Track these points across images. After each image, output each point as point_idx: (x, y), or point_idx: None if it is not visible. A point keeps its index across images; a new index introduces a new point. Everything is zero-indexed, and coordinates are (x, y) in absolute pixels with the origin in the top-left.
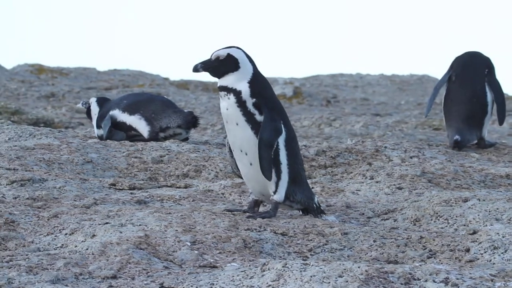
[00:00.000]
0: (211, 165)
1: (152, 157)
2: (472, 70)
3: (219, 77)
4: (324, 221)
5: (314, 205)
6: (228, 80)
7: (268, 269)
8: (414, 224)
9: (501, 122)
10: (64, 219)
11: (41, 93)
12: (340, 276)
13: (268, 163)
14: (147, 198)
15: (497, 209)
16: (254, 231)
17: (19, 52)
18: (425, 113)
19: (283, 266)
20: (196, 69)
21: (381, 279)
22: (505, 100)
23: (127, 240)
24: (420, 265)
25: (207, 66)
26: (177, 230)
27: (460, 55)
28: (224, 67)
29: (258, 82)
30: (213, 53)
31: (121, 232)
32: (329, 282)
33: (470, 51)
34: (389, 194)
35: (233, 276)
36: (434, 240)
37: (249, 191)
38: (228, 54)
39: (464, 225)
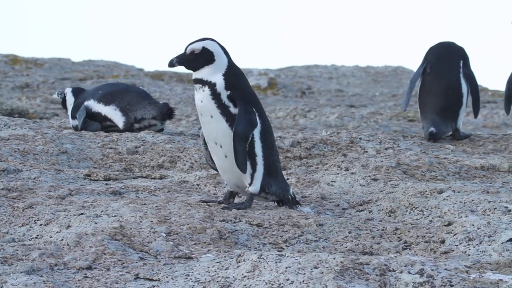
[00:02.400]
0: (186, 156)
1: (127, 148)
2: (447, 61)
3: (194, 70)
4: (299, 212)
5: (289, 197)
6: (204, 73)
7: (244, 260)
8: (389, 216)
9: (476, 114)
10: (39, 209)
11: (16, 84)
12: (316, 267)
13: (242, 156)
14: (122, 189)
15: (472, 200)
16: (229, 222)
17: None
18: (403, 107)
19: (258, 257)
20: (171, 64)
21: (356, 271)
22: (479, 92)
23: (102, 231)
24: (395, 256)
25: (183, 60)
26: (152, 221)
27: (433, 46)
28: (199, 60)
29: (233, 74)
30: (188, 47)
31: (96, 223)
32: (304, 273)
33: (444, 41)
34: (364, 185)
35: (208, 267)
36: (409, 231)
37: (224, 182)
38: (203, 48)
39: (439, 217)
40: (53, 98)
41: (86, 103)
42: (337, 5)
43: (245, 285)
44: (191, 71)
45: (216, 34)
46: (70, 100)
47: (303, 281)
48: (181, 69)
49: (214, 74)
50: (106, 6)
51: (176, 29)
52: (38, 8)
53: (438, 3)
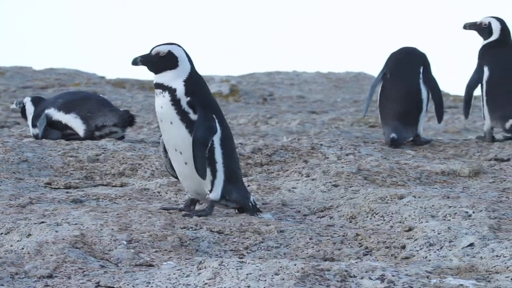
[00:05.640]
0: (147, 164)
1: (88, 156)
2: (407, 66)
3: (156, 73)
4: (260, 219)
5: (250, 204)
6: (165, 78)
7: (205, 268)
8: (350, 222)
9: (439, 119)
10: None
11: None
12: (276, 274)
13: (202, 162)
14: (83, 197)
15: (433, 206)
16: (190, 229)
17: None
18: (364, 113)
19: (219, 264)
20: (135, 62)
21: (317, 277)
22: (442, 97)
23: (63, 239)
24: (356, 262)
25: (146, 60)
26: (113, 229)
27: (395, 51)
28: (163, 63)
29: (194, 81)
30: (154, 48)
31: (57, 231)
32: (265, 280)
33: (405, 46)
34: (325, 191)
35: (169, 275)
36: (370, 237)
37: (185, 190)
38: (169, 51)
39: (400, 222)
40: (13, 108)
41: (46, 111)
42: (298, 11)
43: None
44: (152, 77)
45: (177, 40)
46: (30, 109)
47: (264, 287)
48: (143, 76)
49: (175, 79)
50: (67, 14)
51: (139, 36)
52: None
53: (398, 9)
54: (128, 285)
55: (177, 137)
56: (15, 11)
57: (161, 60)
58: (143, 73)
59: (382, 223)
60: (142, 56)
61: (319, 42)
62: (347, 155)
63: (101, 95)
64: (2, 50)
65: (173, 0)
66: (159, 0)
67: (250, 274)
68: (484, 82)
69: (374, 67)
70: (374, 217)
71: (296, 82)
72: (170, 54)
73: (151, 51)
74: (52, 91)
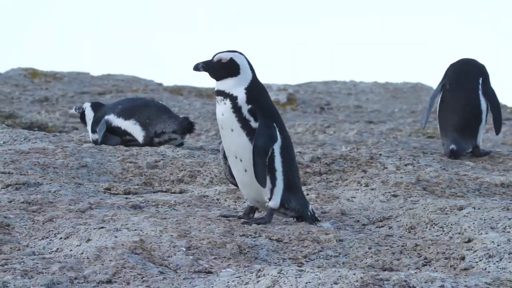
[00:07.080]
0: (206, 171)
1: (147, 162)
2: (466, 78)
3: (217, 80)
4: (319, 227)
5: (309, 213)
6: (226, 85)
7: (264, 275)
8: (409, 232)
9: (497, 131)
10: (59, 223)
11: (35, 97)
12: (335, 283)
13: (262, 170)
14: (142, 203)
15: (492, 217)
16: (249, 237)
17: (13, 56)
18: (423, 124)
19: (278, 272)
20: (197, 68)
21: (376, 286)
22: (500, 109)
23: (122, 244)
24: (415, 272)
25: (208, 66)
26: (172, 235)
27: (454, 62)
28: (224, 70)
29: (255, 89)
30: (216, 55)
31: (116, 237)
32: None
33: (465, 58)
34: (384, 201)
35: (228, 282)
36: (429, 247)
37: (244, 197)
38: (231, 59)
39: (459, 233)
40: (72, 113)
41: (106, 117)
42: (357, 22)
43: None
44: (211, 85)
45: (237, 48)
46: (90, 115)
47: None
48: (200, 83)
49: (236, 87)
50: (126, 21)
51: (196, 43)
52: (57, 22)
53: (459, 20)
54: None
55: (237, 144)
56: (73, 17)
57: (223, 67)
58: (201, 81)
59: (441, 234)
60: (204, 63)
61: (377, 52)
62: (406, 165)
63: (160, 102)
64: (60, 55)
65: (231, 8)
66: (217, 9)
67: (309, 282)
68: None
69: (431, 78)
70: (434, 227)
71: (353, 91)
72: (232, 61)
73: (213, 57)
74: (109, 97)
